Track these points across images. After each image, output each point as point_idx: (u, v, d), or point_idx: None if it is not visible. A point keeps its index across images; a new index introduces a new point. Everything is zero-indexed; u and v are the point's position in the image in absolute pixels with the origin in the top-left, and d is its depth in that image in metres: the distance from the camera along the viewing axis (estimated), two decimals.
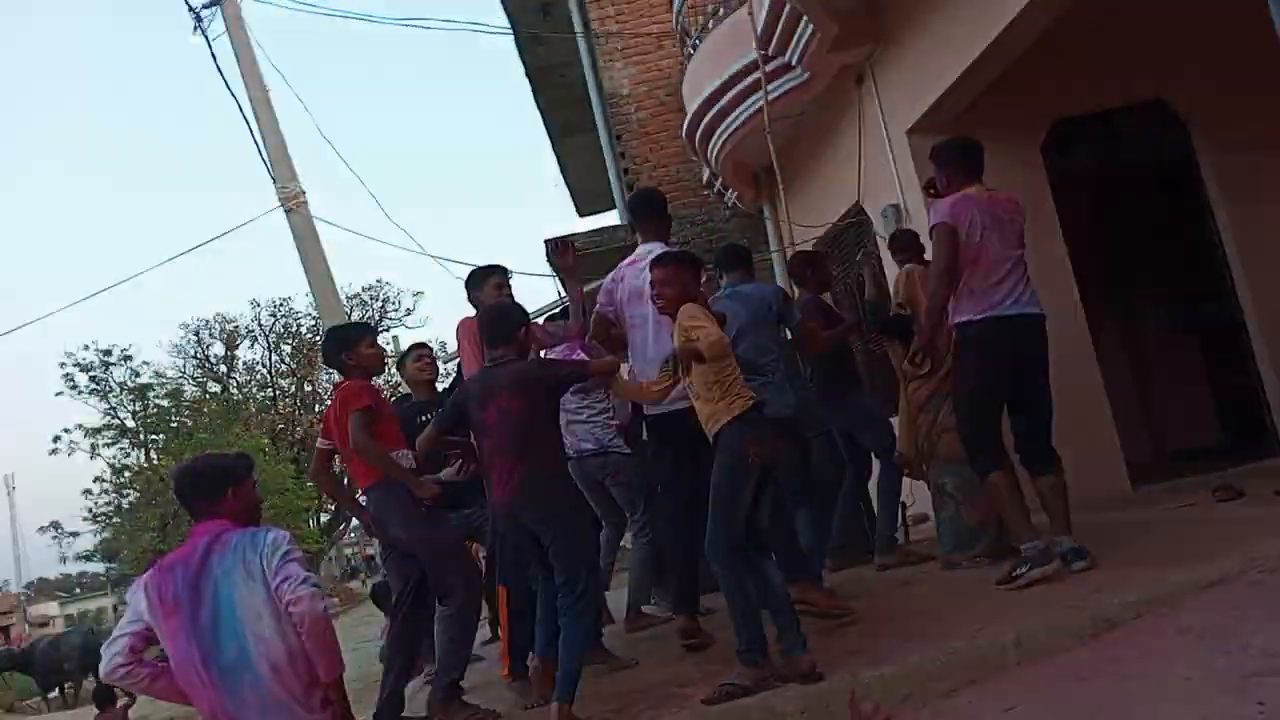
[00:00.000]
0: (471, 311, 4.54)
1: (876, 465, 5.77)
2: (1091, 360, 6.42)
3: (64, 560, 40.62)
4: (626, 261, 4.44)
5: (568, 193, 15.28)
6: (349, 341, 4.33)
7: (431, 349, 5.73)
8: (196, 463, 3.45)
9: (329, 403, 4.53)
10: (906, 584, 4.93)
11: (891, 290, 5.44)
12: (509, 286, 4.68)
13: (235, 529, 3.11)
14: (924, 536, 6.33)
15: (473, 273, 4.71)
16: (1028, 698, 3.05)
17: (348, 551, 29.65)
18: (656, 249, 4.30)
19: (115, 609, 48.81)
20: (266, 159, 8.79)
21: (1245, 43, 5.33)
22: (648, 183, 9.96)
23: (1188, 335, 8.01)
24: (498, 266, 4.71)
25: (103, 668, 3.09)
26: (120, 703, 10.17)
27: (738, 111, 7.89)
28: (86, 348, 26.59)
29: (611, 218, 12.78)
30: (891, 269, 5.89)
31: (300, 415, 27.72)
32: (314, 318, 26.15)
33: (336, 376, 4.51)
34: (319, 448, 4.46)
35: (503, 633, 4.48)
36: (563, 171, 14.46)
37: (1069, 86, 6.58)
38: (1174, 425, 8.13)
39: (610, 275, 4.53)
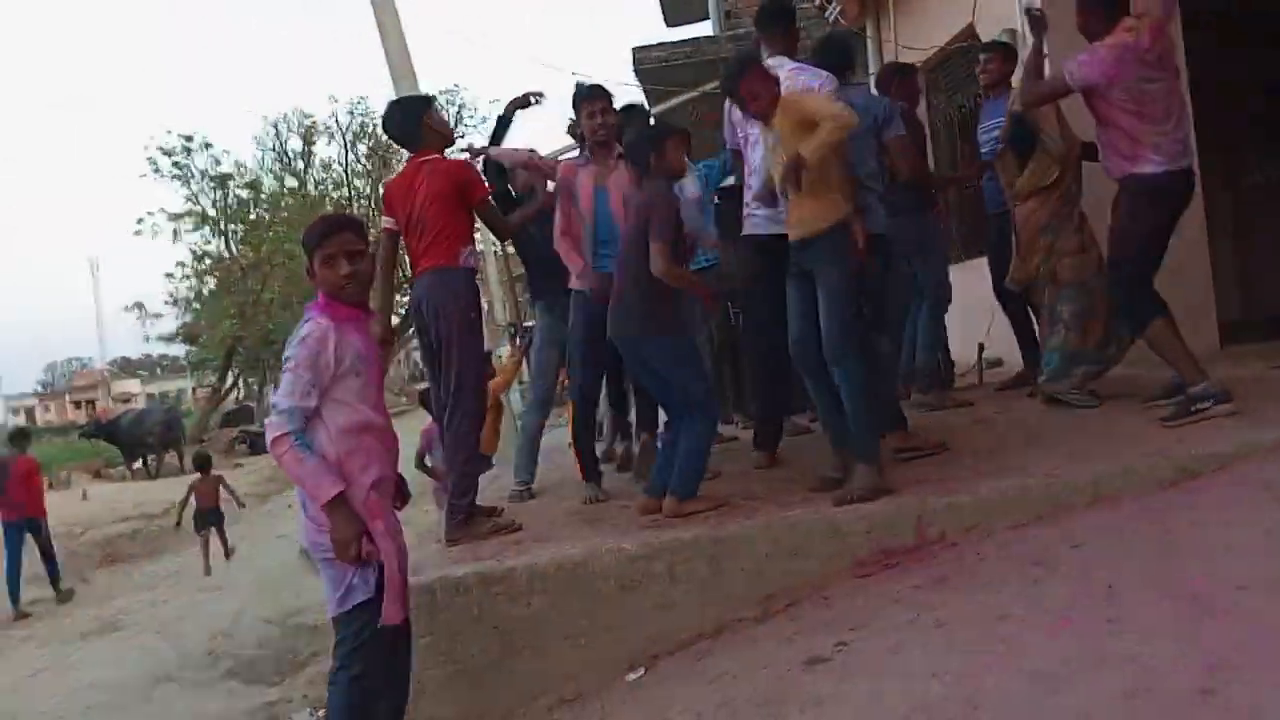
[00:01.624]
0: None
1: None
2: (1197, 212, 6.09)
3: (146, 340, 42.39)
4: None
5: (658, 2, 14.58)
6: (425, 106, 4.26)
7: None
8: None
9: (390, 184, 4.32)
10: (979, 422, 4.90)
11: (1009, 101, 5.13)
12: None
13: (310, 308, 3.02)
14: (993, 380, 6.26)
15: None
16: (1099, 536, 3.05)
17: (417, 354, 30.48)
18: (785, 63, 4.11)
19: (194, 390, 51.37)
20: None
21: None
22: None
23: None
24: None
25: None
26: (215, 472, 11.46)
27: None
28: (169, 132, 26.89)
29: (704, 28, 12.22)
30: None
31: (376, 216, 27.95)
32: None
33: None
34: (387, 228, 4.21)
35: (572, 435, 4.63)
36: None
37: None
38: (1271, 288, 7.80)
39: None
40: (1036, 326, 5.14)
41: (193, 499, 10.89)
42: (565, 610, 3.40)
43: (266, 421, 2.93)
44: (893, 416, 4.21)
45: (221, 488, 11.11)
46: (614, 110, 4.55)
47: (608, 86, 4.59)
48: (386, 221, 4.20)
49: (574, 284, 4.52)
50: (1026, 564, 2.99)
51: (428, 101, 4.42)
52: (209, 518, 10.84)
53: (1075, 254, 4.72)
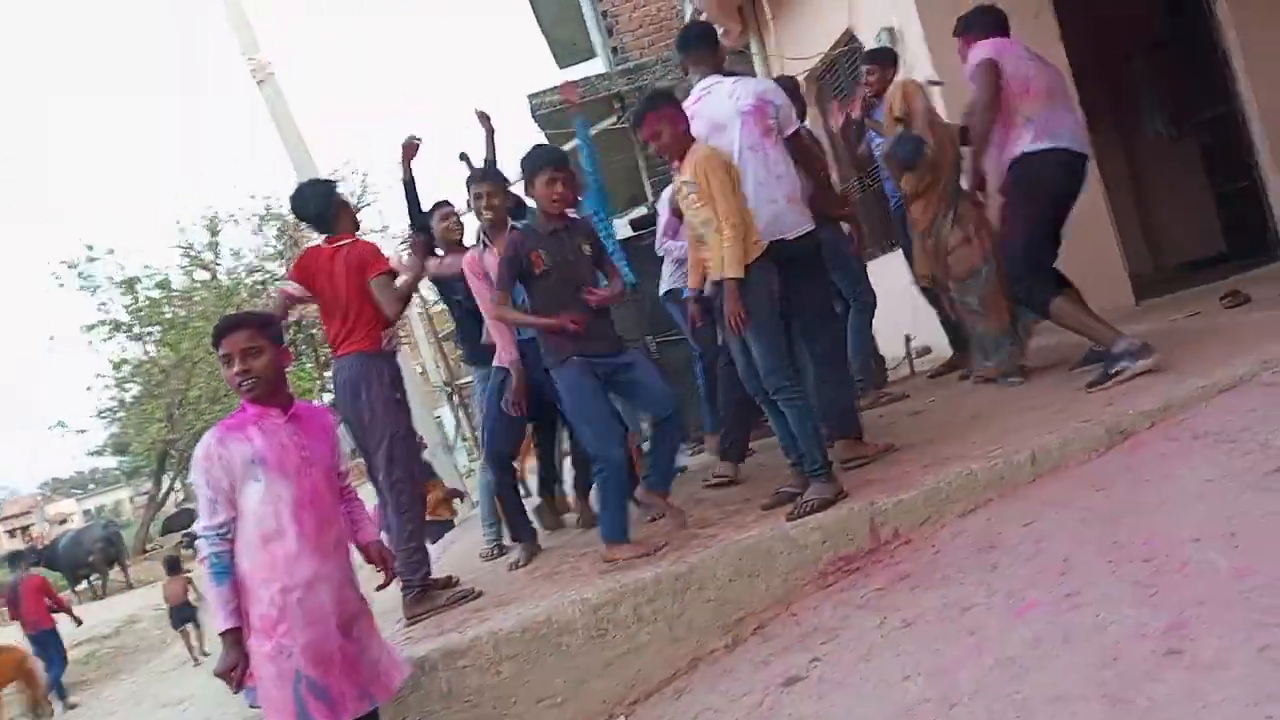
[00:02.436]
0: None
1: None
2: (1093, 174, 6.29)
3: (72, 458, 41.15)
4: (691, 99, 4.14)
5: (546, 45, 14.68)
6: (333, 196, 4.17)
7: (453, 206, 5.21)
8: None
9: (309, 253, 4.12)
10: (916, 414, 4.96)
11: (885, 108, 5.25)
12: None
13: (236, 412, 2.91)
14: (926, 369, 6.36)
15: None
16: (1047, 510, 3.09)
17: None
18: (720, 80, 4.09)
19: (131, 500, 49.84)
20: (232, 27, 8.40)
21: None
22: (628, 25, 9.60)
23: (1187, 144, 7.83)
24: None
25: None
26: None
27: None
28: (89, 247, 26.19)
29: (595, 66, 12.31)
30: None
31: None
32: None
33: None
34: (287, 292, 4.06)
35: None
36: (538, 21, 13.87)
37: None
38: (1176, 237, 8.07)
39: None
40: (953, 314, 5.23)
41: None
42: (536, 672, 3.33)
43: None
44: (852, 423, 4.20)
45: (189, 587, 11.66)
46: (503, 192, 4.57)
47: (496, 168, 4.70)
48: (292, 287, 4.03)
49: (499, 361, 4.53)
50: (982, 550, 3.02)
51: (334, 185, 4.36)
52: (182, 613, 11.61)
53: (961, 246, 4.81)
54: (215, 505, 2.75)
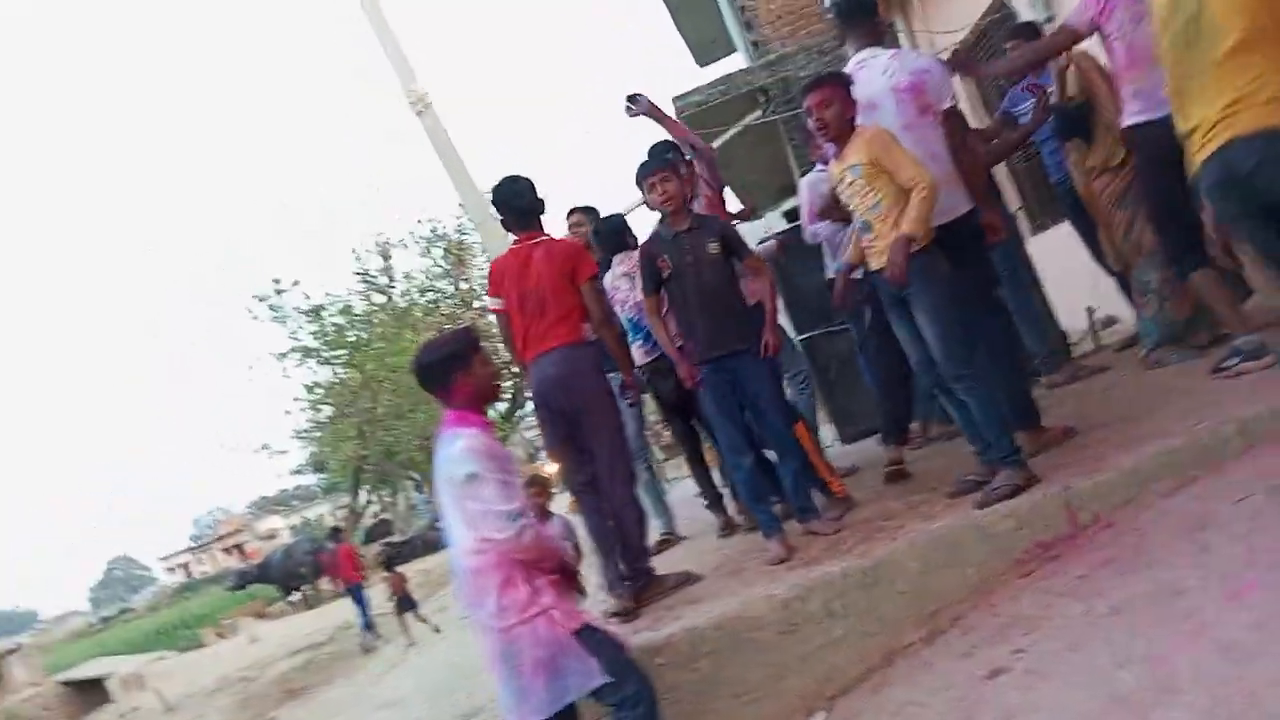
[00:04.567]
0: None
1: None
2: None
3: (278, 476, 44.16)
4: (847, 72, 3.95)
5: (685, 45, 14.77)
6: (536, 192, 4.16)
7: (583, 213, 5.31)
8: (421, 355, 3.24)
9: (494, 266, 4.21)
10: (1106, 389, 4.74)
11: (1057, 85, 5.02)
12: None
13: (451, 423, 3.10)
14: (1111, 342, 6.06)
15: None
16: (1260, 485, 2.92)
17: (529, 435, 30.98)
18: (879, 53, 3.91)
19: (332, 514, 53.17)
20: (390, 62, 8.86)
21: None
22: (766, 15, 9.51)
23: None
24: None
25: None
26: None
27: None
28: (274, 281, 28.20)
29: (736, 62, 12.31)
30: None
31: (462, 312, 28.67)
32: (457, 217, 26.67)
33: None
34: (497, 310, 4.11)
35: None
36: (675, 24, 13.97)
37: None
38: None
39: None
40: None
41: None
42: (732, 668, 3.40)
43: (501, 537, 2.96)
44: (1026, 412, 3.99)
45: (405, 582, 14.34)
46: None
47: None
48: (495, 303, 4.10)
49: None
50: (1191, 530, 2.88)
51: (533, 183, 4.28)
52: (405, 603, 13.98)
53: (1140, 223, 4.56)
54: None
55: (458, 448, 3.00)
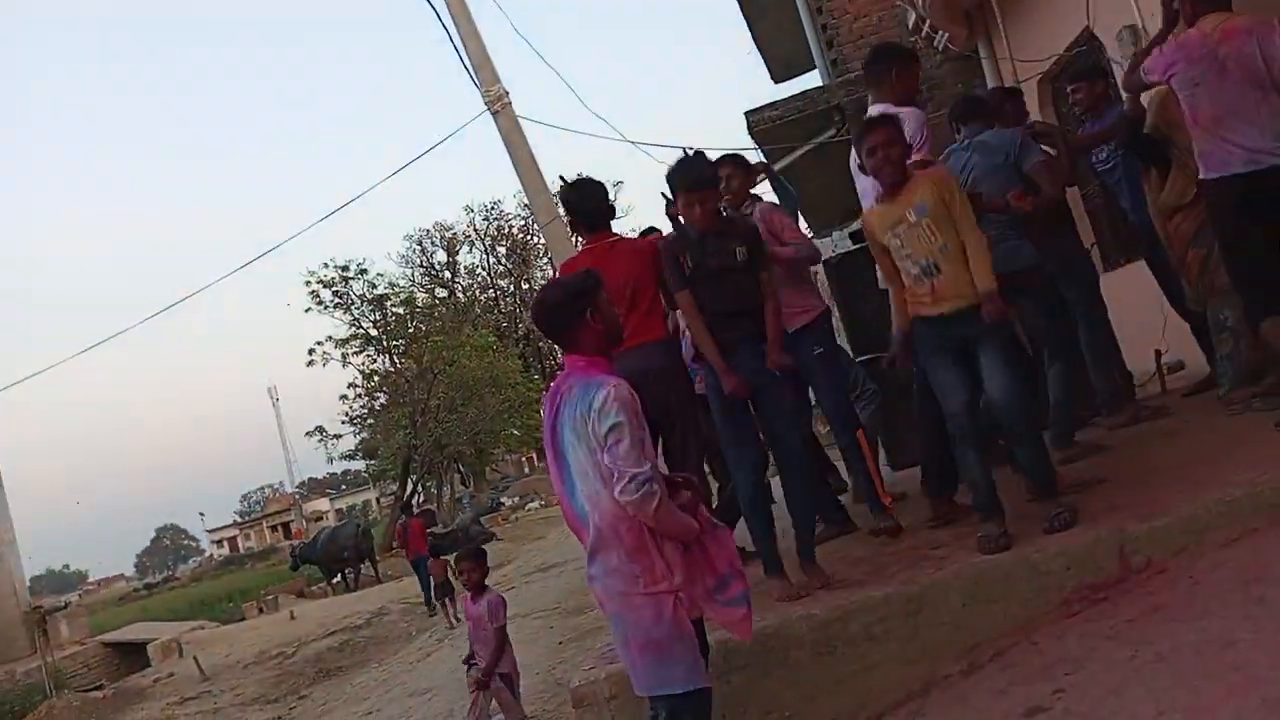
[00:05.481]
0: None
1: None
2: None
3: (329, 460, 44.88)
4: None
5: (762, 60, 14.77)
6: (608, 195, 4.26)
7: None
8: (547, 294, 3.07)
9: (587, 257, 4.10)
10: (1170, 434, 4.64)
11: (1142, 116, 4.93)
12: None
13: (582, 371, 2.87)
14: (1178, 386, 5.92)
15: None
16: None
17: None
18: (888, 109, 4.00)
19: (378, 501, 53.97)
20: (469, 65, 9.01)
21: None
22: (848, 36, 9.46)
23: None
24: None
25: None
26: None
27: None
28: (326, 265, 28.76)
29: (813, 78, 12.27)
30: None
31: (521, 312, 29.00)
32: (523, 218, 27.00)
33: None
34: None
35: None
36: (754, 36, 13.97)
37: None
38: None
39: None
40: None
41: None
42: (765, 684, 3.39)
43: (635, 497, 2.67)
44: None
45: (448, 568, 14.00)
46: (743, 172, 4.65)
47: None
48: None
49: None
50: (1246, 582, 2.81)
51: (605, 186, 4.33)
52: (445, 588, 14.20)
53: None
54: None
55: (602, 397, 2.74)
